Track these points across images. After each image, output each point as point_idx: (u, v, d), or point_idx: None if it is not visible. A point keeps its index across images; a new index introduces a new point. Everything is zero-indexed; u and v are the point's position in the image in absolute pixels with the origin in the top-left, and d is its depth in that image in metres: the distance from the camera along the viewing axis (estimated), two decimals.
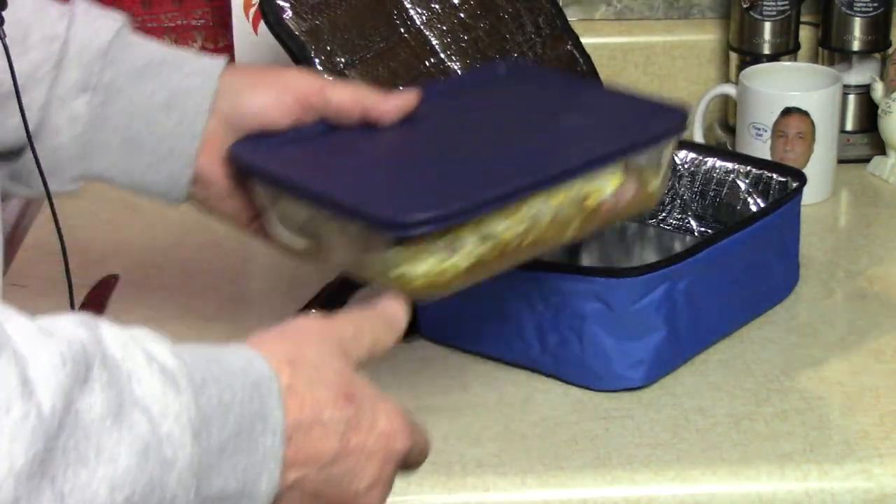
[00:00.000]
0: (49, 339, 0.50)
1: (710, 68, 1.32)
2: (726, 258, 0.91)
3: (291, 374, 0.60)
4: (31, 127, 0.77)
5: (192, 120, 0.81)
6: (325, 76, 0.88)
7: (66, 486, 0.49)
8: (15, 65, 0.76)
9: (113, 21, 0.81)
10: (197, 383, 0.55)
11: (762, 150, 1.15)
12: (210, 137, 0.82)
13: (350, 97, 0.82)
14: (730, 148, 1.21)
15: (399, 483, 0.80)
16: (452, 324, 0.93)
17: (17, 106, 0.76)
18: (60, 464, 0.49)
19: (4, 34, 0.68)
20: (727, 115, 1.26)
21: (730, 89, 1.21)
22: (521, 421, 0.86)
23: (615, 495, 0.80)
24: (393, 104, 0.83)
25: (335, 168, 0.79)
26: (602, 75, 1.10)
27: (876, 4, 1.23)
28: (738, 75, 1.21)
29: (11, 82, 0.75)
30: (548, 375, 0.90)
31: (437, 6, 1.04)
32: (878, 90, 1.21)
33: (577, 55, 1.08)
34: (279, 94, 0.82)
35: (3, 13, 0.68)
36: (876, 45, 1.24)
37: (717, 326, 0.93)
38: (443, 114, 0.86)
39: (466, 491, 0.80)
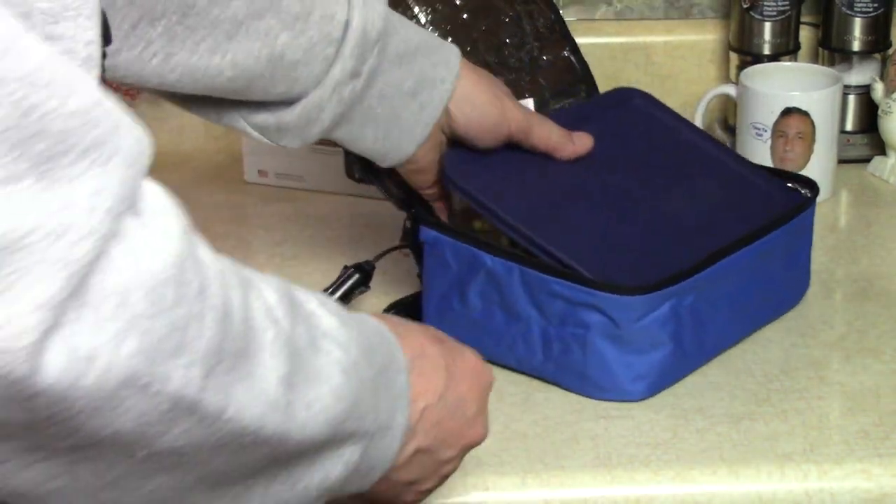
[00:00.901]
0: (264, 277, 0.57)
1: (711, 68, 1.32)
2: (733, 272, 0.91)
3: (388, 323, 0.67)
4: (295, 93, 0.85)
5: (432, 109, 0.90)
6: (532, 111, 0.97)
7: (310, 395, 0.57)
8: (296, 39, 0.83)
9: (383, 6, 0.87)
10: (352, 324, 0.62)
11: (762, 149, 1.15)
12: (435, 127, 0.91)
13: (545, 138, 0.95)
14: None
15: None
16: (456, 327, 0.92)
17: (289, 76, 0.84)
18: (301, 380, 0.57)
19: (104, 69, 0.71)
20: (727, 115, 1.27)
21: (730, 89, 1.21)
22: (521, 421, 0.86)
23: (615, 495, 0.80)
24: (572, 150, 0.96)
25: (538, 211, 0.92)
26: (603, 75, 1.10)
27: (876, 5, 1.23)
28: (738, 75, 1.21)
29: (296, 56, 0.83)
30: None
31: (440, 5, 1.04)
32: (879, 90, 1.21)
33: (574, 61, 1.07)
34: (499, 121, 0.92)
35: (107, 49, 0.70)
36: (876, 45, 1.24)
37: (724, 339, 0.92)
38: (599, 155, 0.98)
39: (466, 491, 0.80)
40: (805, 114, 1.14)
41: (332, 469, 0.61)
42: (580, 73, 1.08)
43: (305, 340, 0.57)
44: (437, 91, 0.90)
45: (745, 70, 1.20)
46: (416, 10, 1.02)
